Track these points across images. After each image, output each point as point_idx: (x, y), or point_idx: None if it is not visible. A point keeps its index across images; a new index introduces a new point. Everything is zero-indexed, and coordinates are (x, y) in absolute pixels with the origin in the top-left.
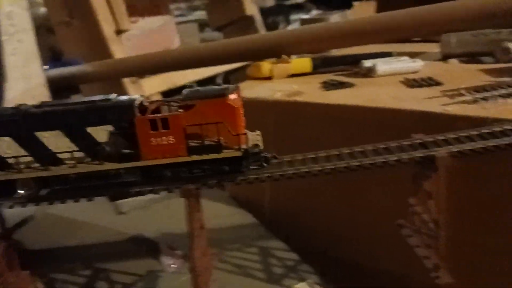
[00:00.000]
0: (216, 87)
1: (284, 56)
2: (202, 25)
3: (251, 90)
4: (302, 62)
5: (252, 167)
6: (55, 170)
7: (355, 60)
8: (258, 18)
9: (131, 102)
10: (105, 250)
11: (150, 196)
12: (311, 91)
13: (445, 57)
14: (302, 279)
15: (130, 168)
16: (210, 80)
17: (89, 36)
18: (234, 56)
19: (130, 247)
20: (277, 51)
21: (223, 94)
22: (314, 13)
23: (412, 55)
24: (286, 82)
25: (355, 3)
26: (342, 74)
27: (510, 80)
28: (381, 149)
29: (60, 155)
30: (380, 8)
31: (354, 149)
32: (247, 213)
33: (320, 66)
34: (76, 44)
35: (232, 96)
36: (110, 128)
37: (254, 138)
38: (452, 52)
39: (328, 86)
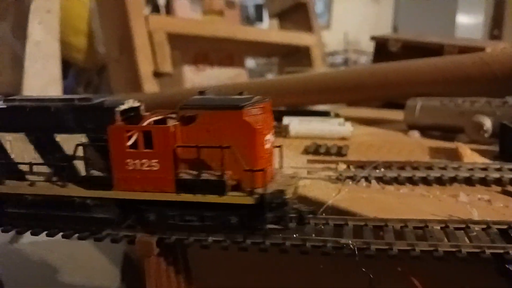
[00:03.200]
0: (234, 96)
1: None
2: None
3: None
4: None
5: (270, 226)
6: (11, 187)
7: (279, 116)
8: (311, 5)
9: (113, 104)
10: None
11: None
12: None
13: (409, 128)
14: None
15: (99, 198)
16: None
17: (131, 73)
18: None
19: None
20: None
21: (238, 106)
22: None
23: (377, 122)
24: None
25: None
26: None
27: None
28: None
29: (21, 167)
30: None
31: None
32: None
33: None
34: (121, 80)
35: (253, 111)
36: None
37: (285, 180)
38: (416, 122)
39: None
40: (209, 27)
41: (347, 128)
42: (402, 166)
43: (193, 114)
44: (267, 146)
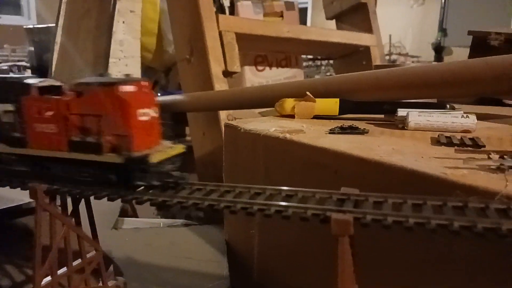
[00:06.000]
0: (121, 76)
1: (308, 94)
2: None
3: (256, 123)
4: (328, 104)
5: (138, 182)
6: None
7: (392, 108)
8: (372, 5)
9: (31, 81)
10: None
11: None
12: (312, 131)
13: None
14: None
15: (20, 155)
16: None
17: (201, 74)
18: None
19: None
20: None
21: (112, 84)
22: None
23: (484, 117)
24: (302, 121)
25: None
26: (373, 122)
27: None
28: None
29: None
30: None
31: None
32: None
33: (349, 110)
34: (192, 80)
35: (128, 88)
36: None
37: (163, 149)
38: None
39: (337, 129)
40: (274, 28)
41: (472, 121)
42: None
43: (81, 90)
44: (142, 118)
